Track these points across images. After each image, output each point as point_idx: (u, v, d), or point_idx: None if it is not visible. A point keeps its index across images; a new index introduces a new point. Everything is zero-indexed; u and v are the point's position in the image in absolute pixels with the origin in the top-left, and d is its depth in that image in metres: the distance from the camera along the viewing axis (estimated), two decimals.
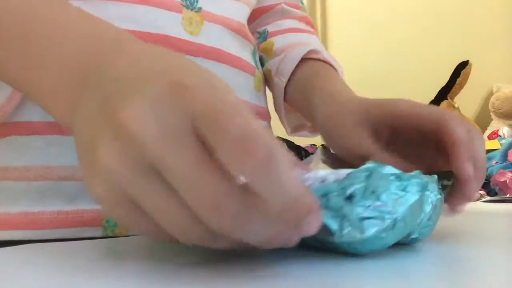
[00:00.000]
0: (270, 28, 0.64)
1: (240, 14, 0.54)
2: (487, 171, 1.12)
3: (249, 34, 0.57)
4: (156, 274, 0.25)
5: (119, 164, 0.22)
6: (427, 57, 2.01)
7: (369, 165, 0.28)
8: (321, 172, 0.28)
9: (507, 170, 0.96)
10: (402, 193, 0.27)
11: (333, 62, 0.56)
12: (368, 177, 0.27)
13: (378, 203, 0.27)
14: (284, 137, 1.66)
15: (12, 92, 0.40)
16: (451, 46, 2.01)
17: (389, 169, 0.28)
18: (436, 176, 0.30)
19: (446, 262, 0.28)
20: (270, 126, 0.60)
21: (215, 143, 0.21)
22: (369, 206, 0.27)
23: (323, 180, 0.28)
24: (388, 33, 2.03)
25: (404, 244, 0.31)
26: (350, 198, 0.27)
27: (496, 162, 1.12)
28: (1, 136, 0.41)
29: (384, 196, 0.27)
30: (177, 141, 0.21)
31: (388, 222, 0.26)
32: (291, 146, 1.69)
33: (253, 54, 0.57)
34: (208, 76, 0.23)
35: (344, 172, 0.28)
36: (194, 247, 0.24)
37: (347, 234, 0.26)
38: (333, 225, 0.27)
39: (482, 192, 0.93)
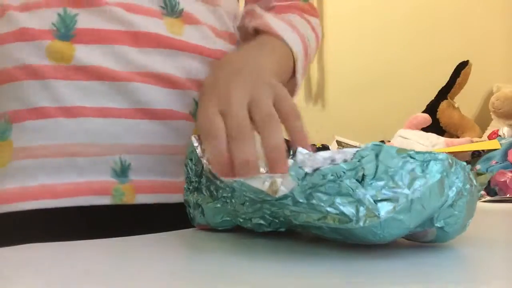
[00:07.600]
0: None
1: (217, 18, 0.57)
2: (486, 171, 1.11)
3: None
4: (155, 274, 0.25)
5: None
6: (427, 57, 2.01)
7: (374, 143, 0.27)
8: (328, 152, 0.28)
9: (507, 170, 0.95)
10: (420, 174, 0.26)
11: (287, 40, 0.54)
12: (377, 156, 0.26)
13: (391, 183, 0.26)
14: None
15: None
16: (451, 46, 2.01)
17: (395, 149, 0.27)
18: (465, 163, 0.29)
19: (445, 261, 0.28)
20: None
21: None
22: (383, 187, 0.26)
23: (332, 160, 0.27)
24: (388, 33, 2.02)
25: (426, 243, 0.31)
26: (362, 179, 0.26)
27: (496, 162, 1.12)
28: (18, 122, 0.47)
29: (397, 177, 0.26)
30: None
31: (403, 202, 0.26)
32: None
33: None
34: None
35: (351, 151, 0.27)
36: (195, 246, 0.24)
37: (363, 217, 0.26)
38: (349, 210, 0.26)
39: (482, 192, 0.93)
